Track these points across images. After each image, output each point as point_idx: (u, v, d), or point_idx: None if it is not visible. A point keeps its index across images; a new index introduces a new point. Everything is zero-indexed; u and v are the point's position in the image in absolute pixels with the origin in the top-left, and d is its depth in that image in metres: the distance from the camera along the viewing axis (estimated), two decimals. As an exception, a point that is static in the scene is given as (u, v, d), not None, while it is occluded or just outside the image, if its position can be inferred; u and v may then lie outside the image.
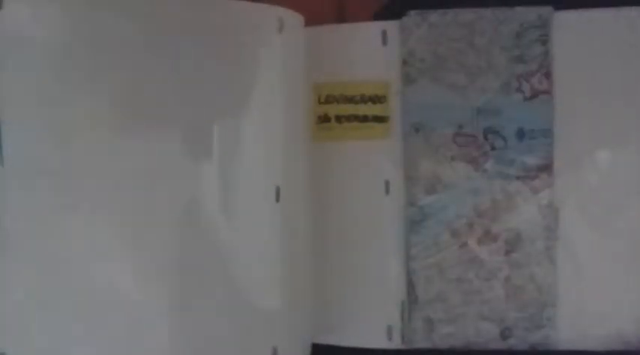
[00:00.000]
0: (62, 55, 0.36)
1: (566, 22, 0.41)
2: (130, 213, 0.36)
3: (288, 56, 0.40)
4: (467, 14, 0.41)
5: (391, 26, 0.42)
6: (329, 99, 0.43)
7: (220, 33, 0.38)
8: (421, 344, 0.42)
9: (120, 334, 0.36)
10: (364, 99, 0.43)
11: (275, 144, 0.39)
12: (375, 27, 0.43)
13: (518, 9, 0.41)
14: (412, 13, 0.42)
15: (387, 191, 0.43)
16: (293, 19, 0.41)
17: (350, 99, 0.43)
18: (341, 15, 0.47)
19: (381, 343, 0.42)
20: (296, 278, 0.41)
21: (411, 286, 0.42)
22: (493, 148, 0.41)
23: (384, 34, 0.43)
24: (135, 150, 0.36)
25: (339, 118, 0.43)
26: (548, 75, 0.41)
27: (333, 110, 0.43)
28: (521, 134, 0.41)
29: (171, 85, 0.37)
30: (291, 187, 0.40)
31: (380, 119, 0.43)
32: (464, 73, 0.41)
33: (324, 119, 0.43)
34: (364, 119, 0.43)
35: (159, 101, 0.37)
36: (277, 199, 0.39)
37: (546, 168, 0.41)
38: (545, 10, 0.41)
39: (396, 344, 0.42)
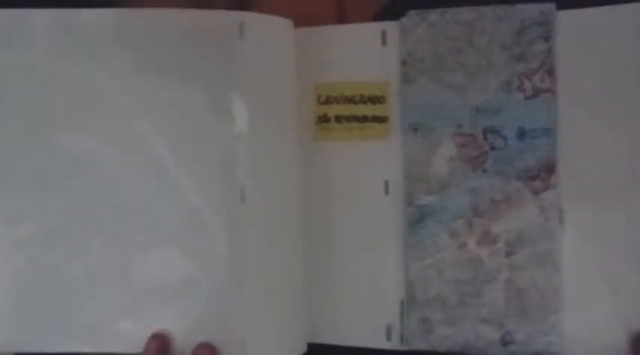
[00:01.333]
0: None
1: (569, 19, 0.40)
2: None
3: (256, 60, 0.41)
4: (467, 13, 0.41)
5: (391, 26, 0.42)
6: (329, 100, 0.43)
7: (180, 41, 0.40)
8: (419, 345, 0.41)
9: None
10: (364, 100, 0.43)
11: (239, 146, 0.40)
12: (374, 27, 0.43)
13: (519, 6, 0.40)
14: (412, 13, 0.42)
15: (387, 191, 0.42)
16: (260, 22, 0.41)
17: (349, 100, 0.43)
18: (341, 15, 0.47)
19: (380, 343, 0.42)
20: (281, 280, 0.42)
21: (409, 286, 0.42)
22: (493, 148, 0.40)
23: (383, 34, 0.43)
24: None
25: (338, 118, 0.43)
26: (550, 73, 0.40)
27: (332, 110, 0.43)
28: (521, 133, 0.40)
29: (136, 89, 0.41)
30: (267, 187, 0.41)
31: (379, 119, 0.43)
32: (463, 72, 0.41)
33: (323, 119, 0.44)
34: (364, 119, 0.43)
35: (123, 106, 0.41)
36: (242, 199, 0.40)
37: (548, 168, 0.40)
38: (547, 6, 0.40)
39: (395, 344, 0.42)
